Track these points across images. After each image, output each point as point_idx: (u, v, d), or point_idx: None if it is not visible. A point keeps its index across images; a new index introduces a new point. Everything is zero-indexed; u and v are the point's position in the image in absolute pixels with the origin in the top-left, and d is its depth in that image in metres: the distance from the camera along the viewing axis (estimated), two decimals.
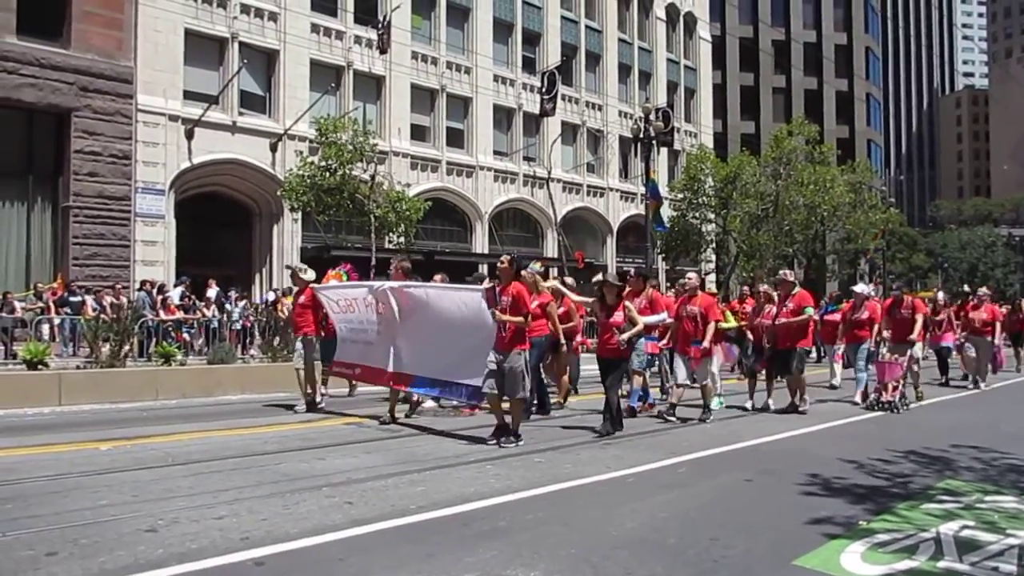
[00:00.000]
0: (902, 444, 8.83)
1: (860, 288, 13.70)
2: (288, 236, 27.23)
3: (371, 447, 8.41)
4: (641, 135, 29.08)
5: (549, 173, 35.62)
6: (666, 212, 37.14)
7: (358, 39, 29.67)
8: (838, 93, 63.26)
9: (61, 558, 4.60)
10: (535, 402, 10.72)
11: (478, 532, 5.31)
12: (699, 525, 5.63)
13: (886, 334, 12.99)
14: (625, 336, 9.16)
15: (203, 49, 25.92)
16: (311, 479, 6.70)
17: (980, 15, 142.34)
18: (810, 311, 11.58)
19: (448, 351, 8.91)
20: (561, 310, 11.26)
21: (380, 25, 28.26)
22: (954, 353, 17.35)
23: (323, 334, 11.26)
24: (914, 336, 12.74)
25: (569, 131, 38.27)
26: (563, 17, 38.40)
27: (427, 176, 31.94)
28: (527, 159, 36.15)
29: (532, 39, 37.13)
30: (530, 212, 36.96)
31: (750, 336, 12.60)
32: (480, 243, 34.01)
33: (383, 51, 28.54)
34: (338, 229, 26.55)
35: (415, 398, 10.64)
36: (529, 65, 36.58)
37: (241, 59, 25.84)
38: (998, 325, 16.72)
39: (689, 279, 11.14)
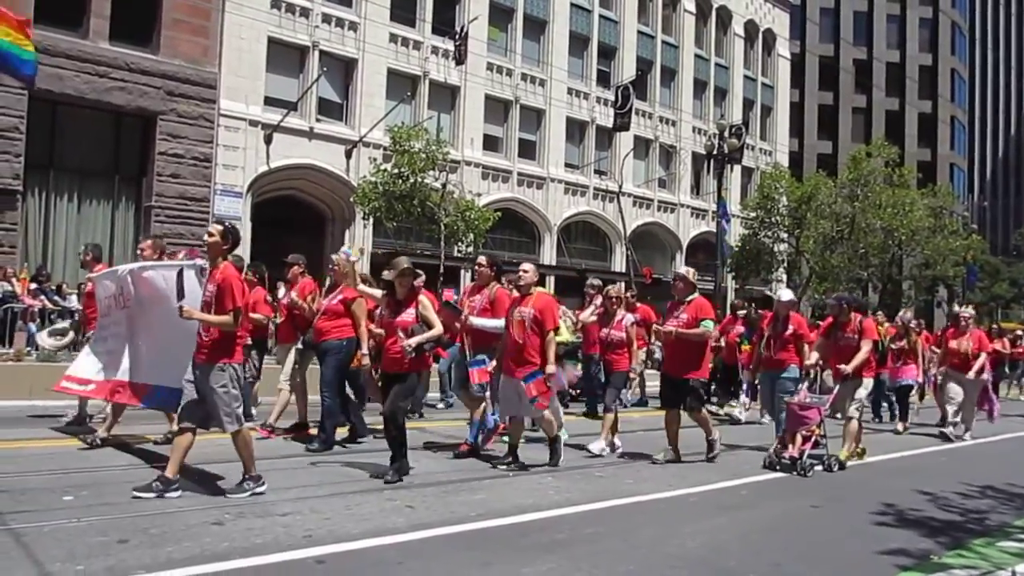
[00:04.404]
0: (980, 478, 8.52)
1: (784, 295, 10.15)
2: (359, 241, 27.59)
3: (438, 452, 8.45)
4: (715, 152, 28.75)
5: (620, 187, 35.40)
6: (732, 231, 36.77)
7: (435, 49, 30.01)
8: (921, 115, 61.54)
9: (132, 545, 4.74)
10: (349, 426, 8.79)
11: (536, 543, 5.30)
12: (761, 549, 5.51)
13: (813, 358, 9.22)
14: (412, 342, 6.77)
15: (284, 57, 26.52)
16: (373, 481, 6.77)
17: None
18: (709, 325, 8.58)
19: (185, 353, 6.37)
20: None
21: (457, 36, 28.52)
22: (914, 392, 13.62)
23: None
24: (848, 368, 8.89)
25: (642, 146, 38.01)
26: (639, 32, 38.20)
27: (498, 186, 32.07)
28: (598, 172, 36.03)
29: (608, 53, 37.03)
30: (599, 225, 36.80)
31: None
32: (548, 255, 33.98)
33: (459, 62, 28.78)
34: (408, 236, 26.85)
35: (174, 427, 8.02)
36: (604, 79, 36.46)
37: (321, 67, 26.36)
38: (983, 357, 12.30)
39: (524, 272, 8.00)
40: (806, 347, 9.53)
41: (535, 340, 7.66)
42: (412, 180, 24.30)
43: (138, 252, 8.11)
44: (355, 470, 7.28)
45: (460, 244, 25.89)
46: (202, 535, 5.00)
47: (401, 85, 28.73)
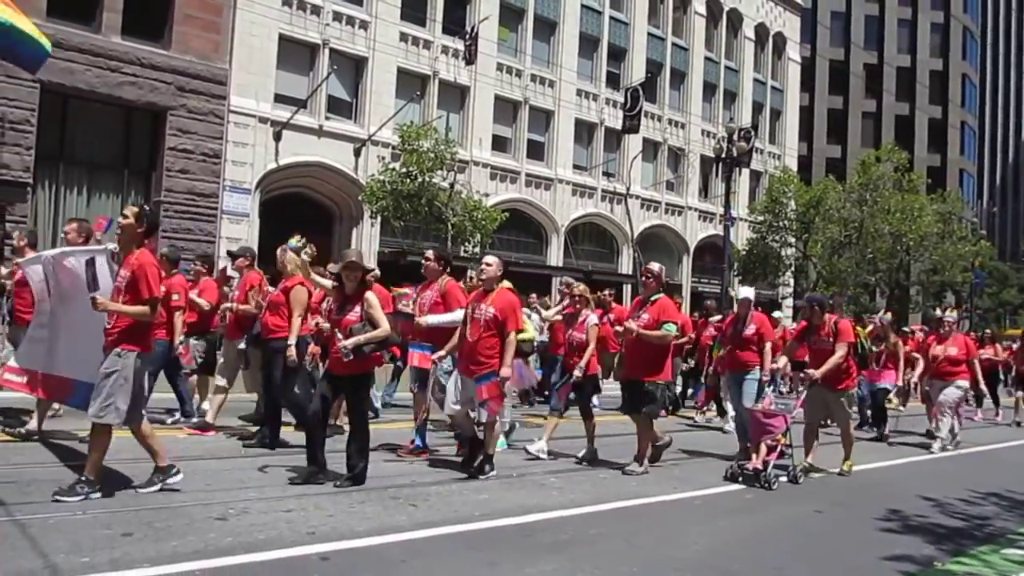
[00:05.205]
0: (984, 485, 8.49)
1: (742, 292, 9.50)
2: (366, 240, 27.65)
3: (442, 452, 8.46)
4: (723, 155, 28.71)
5: (628, 189, 35.39)
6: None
7: (445, 49, 30.02)
8: (931, 120, 61.39)
9: (136, 539, 4.75)
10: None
11: (540, 544, 5.30)
12: (765, 553, 5.51)
13: (781, 362, 8.91)
14: (349, 343, 6.37)
15: (295, 54, 26.56)
16: (378, 479, 6.77)
17: None
18: (672, 328, 7.87)
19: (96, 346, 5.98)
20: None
21: (467, 36, 28.55)
22: (893, 397, 12.77)
23: None
24: (817, 374, 8.27)
25: (650, 148, 37.97)
26: (650, 34, 38.15)
27: (505, 187, 32.07)
28: (606, 174, 36.00)
29: (617, 55, 36.99)
30: (606, 227, 36.77)
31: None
32: (555, 256, 33.98)
33: (469, 62, 28.81)
34: (415, 235, 26.90)
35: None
36: (613, 80, 36.43)
37: (331, 65, 26.39)
38: (976, 364, 11.71)
39: (486, 266, 7.56)
40: (768, 347, 8.88)
41: (492, 340, 7.21)
42: (420, 179, 24.34)
43: (63, 235, 7.55)
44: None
45: (467, 244, 25.92)
46: (206, 530, 5.02)
47: (411, 84, 28.75)
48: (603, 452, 8.48)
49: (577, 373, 8.48)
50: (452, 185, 25.29)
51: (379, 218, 25.87)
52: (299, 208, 27.01)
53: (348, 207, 27.95)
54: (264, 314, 8.20)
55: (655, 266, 8.34)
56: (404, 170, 24.49)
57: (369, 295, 6.63)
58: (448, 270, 8.23)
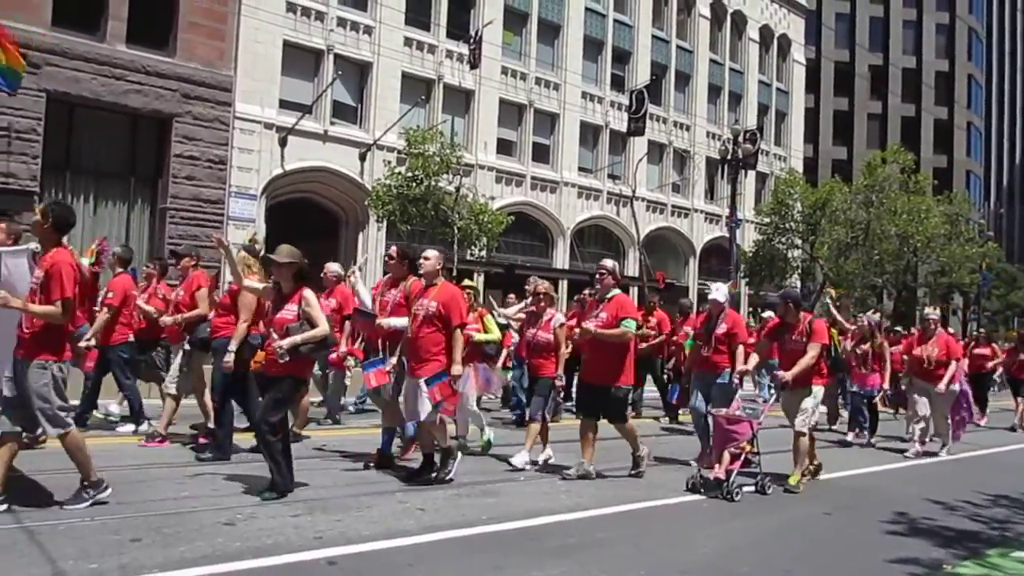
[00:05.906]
0: (991, 487, 8.45)
1: (717, 293, 8.69)
2: (373, 244, 27.69)
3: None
4: (729, 157, 28.68)
5: (633, 191, 35.38)
6: None
7: (449, 53, 30.07)
8: (937, 121, 61.22)
9: (144, 544, 4.77)
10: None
11: (547, 548, 5.30)
12: (773, 556, 5.50)
13: (752, 362, 8.25)
14: (285, 343, 6.02)
15: (300, 60, 26.63)
16: (385, 483, 6.79)
17: None
18: (632, 325, 7.55)
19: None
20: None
21: (471, 40, 28.57)
22: (877, 400, 12.14)
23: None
24: (787, 376, 7.77)
25: (655, 150, 37.95)
26: (654, 36, 38.15)
27: (511, 190, 32.09)
28: (612, 177, 36.01)
29: (622, 57, 37.01)
30: (612, 230, 36.76)
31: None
32: (561, 259, 33.98)
33: (473, 66, 28.84)
34: (421, 239, 26.91)
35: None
36: (618, 83, 36.43)
37: (335, 70, 26.44)
38: (954, 365, 10.79)
39: (425, 259, 7.13)
40: (740, 349, 8.29)
41: (437, 336, 6.81)
42: (426, 183, 24.37)
43: None
44: (366, 472, 7.30)
45: (473, 247, 25.94)
46: (214, 535, 5.03)
47: (415, 89, 28.79)
48: (601, 456, 8.34)
49: (558, 382, 8.31)
50: (458, 189, 25.32)
51: (385, 222, 25.90)
52: (305, 213, 27.08)
53: (354, 212, 28.00)
54: (213, 317, 7.96)
55: (608, 262, 8.00)
56: (410, 174, 24.54)
57: (307, 293, 6.28)
58: (413, 269, 7.49)
